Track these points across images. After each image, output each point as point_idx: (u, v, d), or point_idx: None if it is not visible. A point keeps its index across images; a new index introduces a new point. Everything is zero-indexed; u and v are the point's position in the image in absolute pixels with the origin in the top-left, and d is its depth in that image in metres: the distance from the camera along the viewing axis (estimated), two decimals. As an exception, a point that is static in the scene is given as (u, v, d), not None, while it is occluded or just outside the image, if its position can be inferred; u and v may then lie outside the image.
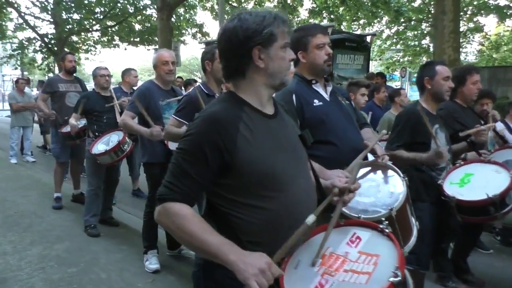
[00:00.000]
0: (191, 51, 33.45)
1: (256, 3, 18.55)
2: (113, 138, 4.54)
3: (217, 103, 1.48)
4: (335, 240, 1.45)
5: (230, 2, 18.24)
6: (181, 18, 19.49)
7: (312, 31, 2.41)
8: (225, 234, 1.34)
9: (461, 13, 21.71)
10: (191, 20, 19.95)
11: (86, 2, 18.23)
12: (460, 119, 3.35)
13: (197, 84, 3.24)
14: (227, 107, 1.43)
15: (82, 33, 20.69)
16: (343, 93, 2.66)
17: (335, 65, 9.26)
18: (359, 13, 16.62)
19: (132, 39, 21.14)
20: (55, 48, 18.82)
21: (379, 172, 2.31)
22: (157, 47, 17.71)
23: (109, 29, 20.41)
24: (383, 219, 1.85)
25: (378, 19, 18.82)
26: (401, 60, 24.93)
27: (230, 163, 1.37)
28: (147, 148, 3.72)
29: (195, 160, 1.36)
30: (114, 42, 21.80)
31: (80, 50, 20.87)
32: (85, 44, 21.48)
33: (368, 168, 2.32)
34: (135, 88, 6.26)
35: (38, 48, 19.40)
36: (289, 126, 1.60)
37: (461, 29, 22.90)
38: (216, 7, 19.65)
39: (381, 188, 2.13)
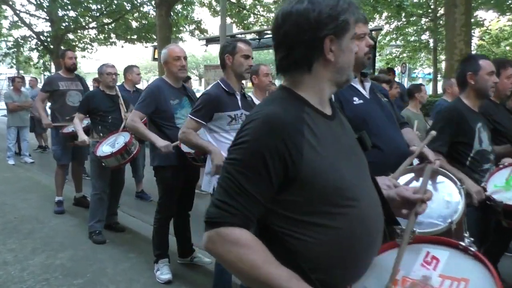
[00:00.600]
0: (187, 48, 33.08)
1: (256, -1, 18.35)
2: (119, 140, 4.29)
3: (273, 102, 1.21)
4: (405, 261, 1.22)
5: (230, -2, 17.97)
6: (179, 15, 19.18)
7: None
8: (282, 260, 1.11)
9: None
10: (189, 17, 19.65)
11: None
12: (495, 117, 3.12)
13: (216, 81, 2.97)
14: (287, 107, 1.17)
15: (78, 31, 20.38)
16: (381, 89, 2.42)
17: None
18: (361, 8, 16.35)
19: (129, 37, 20.86)
20: (51, 46, 18.51)
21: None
22: (155, 44, 17.44)
23: (106, 26, 20.10)
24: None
25: (378, 14, 18.57)
26: (401, 55, 24.76)
27: (294, 176, 1.12)
28: (157, 151, 3.46)
29: (254, 174, 1.10)
30: (110, 40, 21.52)
31: (76, 48, 20.56)
32: (81, 42, 21.19)
33: (412, 175, 2.09)
34: (137, 86, 6.05)
35: (33, 46, 19.07)
36: (347, 128, 1.36)
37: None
38: (214, 3, 19.44)
39: (434, 197, 1.90)
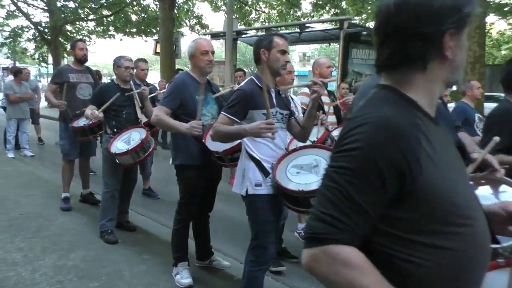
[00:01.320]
0: (185, 43, 32.85)
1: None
2: (134, 136, 4.12)
3: (383, 104, 1.05)
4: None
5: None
6: (180, 9, 18.93)
7: None
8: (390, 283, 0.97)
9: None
10: (190, 11, 19.42)
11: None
12: None
13: (250, 77, 2.81)
14: (401, 111, 1.02)
15: (77, 23, 20.06)
16: None
17: (350, 60, 8.93)
18: (364, 7, 16.25)
19: (128, 30, 20.58)
20: (49, 37, 18.19)
21: (487, 187, 1.95)
22: (156, 38, 17.20)
23: (105, 18, 19.80)
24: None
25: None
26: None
27: (410, 190, 0.97)
28: (181, 149, 3.31)
29: (368, 185, 0.95)
30: (109, 33, 21.22)
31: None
32: (79, 33, 20.86)
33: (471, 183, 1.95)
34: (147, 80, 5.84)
35: (31, 37, 18.73)
36: (449, 135, 1.21)
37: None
38: (215, -1, 19.23)
39: None
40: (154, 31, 19.82)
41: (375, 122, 0.99)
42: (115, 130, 4.24)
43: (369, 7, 16.49)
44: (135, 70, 4.94)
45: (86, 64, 5.33)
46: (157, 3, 18.99)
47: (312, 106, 2.71)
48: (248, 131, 2.48)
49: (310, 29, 10.01)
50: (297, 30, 10.20)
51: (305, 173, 2.58)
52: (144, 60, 5.88)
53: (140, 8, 19.68)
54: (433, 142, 1.02)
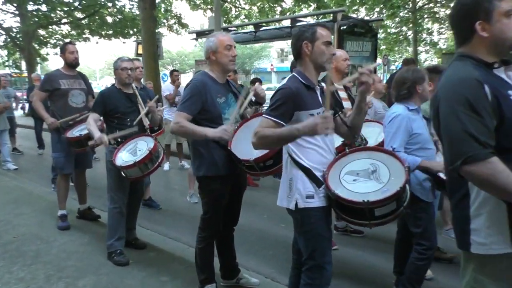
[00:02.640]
0: (165, 44, 32.18)
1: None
2: (140, 146, 3.72)
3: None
4: None
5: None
6: (158, 9, 18.34)
7: None
8: None
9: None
10: (168, 11, 18.85)
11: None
12: None
13: (291, 74, 2.45)
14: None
15: (50, 27, 19.25)
16: None
17: (345, 53, 8.66)
18: (346, 0, 16.11)
19: (104, 32, 19.88)
20: (22, 43, 17.36)
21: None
22: (136, 39, 16.62)
23: (79, 21, 19.04)
24: None
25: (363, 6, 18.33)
26: (381, 48, 24.71)
27: None
28: (204, 158, 2.94)
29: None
30: (84, 36, 20.46)
31: (48, 45, 19.46)
32: (53, 38, 20.04)
33: None
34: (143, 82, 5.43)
35: (2, 43, 17.85)
36: None
37: (439, 15, 23.14)
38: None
39: None
40: (132, 32, 19.21)
41: None
42: (119, 140, 3.82)
43: (349, 0, 16.42)
44: (135, 71, 4.48)
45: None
46: (133, 3, 18.43)
47: (361, 99, 2.38)
48: (302, 129, 2.10)
49: (301, 23, 9.69)
50: (288, 24, 9.86)
51: (364, 180, 2.26)
52: (137, 59, 5.47)
53: (115, 10, 19.00)
54: None
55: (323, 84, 2.48)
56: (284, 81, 2.39)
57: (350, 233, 4.70)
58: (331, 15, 8.79)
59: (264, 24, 10.41)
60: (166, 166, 8.18)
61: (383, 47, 24.47)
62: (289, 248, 4.29)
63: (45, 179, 7.05)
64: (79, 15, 18.83)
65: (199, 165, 2.97)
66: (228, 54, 2.91)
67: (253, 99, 3.15)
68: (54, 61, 24.71)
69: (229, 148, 2.85)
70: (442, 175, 2.77)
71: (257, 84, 3.36)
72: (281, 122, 2.24)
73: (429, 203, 2.97)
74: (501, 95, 1.61)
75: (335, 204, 2.27)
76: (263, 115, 2.31)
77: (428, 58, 30.87)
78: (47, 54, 21.29)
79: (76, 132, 4.45)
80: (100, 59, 44.08)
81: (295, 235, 2.65)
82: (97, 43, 20.71)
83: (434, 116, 1.77)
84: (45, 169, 7.73)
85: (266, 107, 2.46)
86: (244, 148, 2.81)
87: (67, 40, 20.29)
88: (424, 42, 24.89)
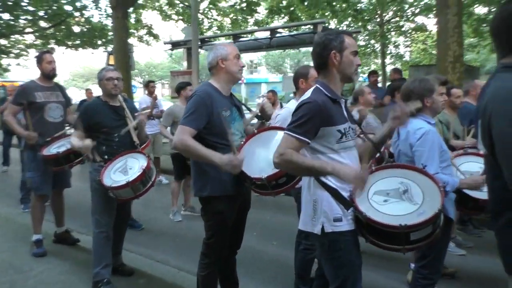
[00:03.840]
0: (138, 56, 31.66)
1: (210, 2, 17.59)
2: (131, 164, 3.42)
3: None
4: None
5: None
6: (128, 19, 17.87)
7: None
8: None
9: (403, 13, 22.47)
10: (138, 21, 18.42)
11: (18, 0, 16.04)
12: None
13: (315, 85, 2.24)
14: None
15: (13, 36, 18.38)
16: None
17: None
18: (318, 12, 16.20)
19: (71, 43, 19.17)
20: (-19, 53, 16.48)
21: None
22: (106, 49, 16.10)
23: (45, 31, 18.27)
24: None
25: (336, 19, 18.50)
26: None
27: None
28: (209, 177, 2.68)
29: None
30: (49, 46, 19.64)
31: (10, 55, 18.58)
32: (16, 48, 19.14)
33: None
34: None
35: (-40, 54, 16.88)
36: None
37: (404, 29, 23.82)
38: (165, 7, 18.42)
39: None
40: (100, 42, 18.62)
41: None
42: (106, 157, 3.50)
43: (321, 12, 16.52)
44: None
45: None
46: (102, 13, 17.89)
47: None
48: (336, 172, 2.00)
49: (280, 34, 9.60)
50: (267, 35, 9.73)
51: (396, 201, 2.07)
52: (115, 68, 5.13)
53: (83, 19, 18.36)
54: None
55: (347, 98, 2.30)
56: (308, 94, 2.17)
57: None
58: (310, 26, 8.73)
59: (241, 35, 10.26)
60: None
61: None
62: (284, 268, 4.10)
63: (14, 200, 6.51)
64: (44, 24, 18.06)
65: (203, 184, 2.71)
66: (238, 63, 2.74)
67: (258, 113, 2.95)
68: (16, 72, 23.69)
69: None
70: (469, 192, 2.65)
71: (265, 99, 3.15)
72: (306, 140, 2.03)
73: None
74: None
75: (366, 228, 2.07)
76: (286, 132, 2.08)
77: (395, 70, 31.63)
78: (9, 64, 20.34)
79: (53, 149, 4.07)
80: (65, 70, 42.70)
81: (319, 260, 2.43)
82: (63, 53, 19.98)
83: (484, 130, 1.62)
84: (11, 188, 7.20)
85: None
86: (254, 165, 2.59)
87: (31, 50, 19.53)
88: (390, 54, 25.47)
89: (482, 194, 2.66)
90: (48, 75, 4.27)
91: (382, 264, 4.12)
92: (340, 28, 18.92)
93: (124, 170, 3.37)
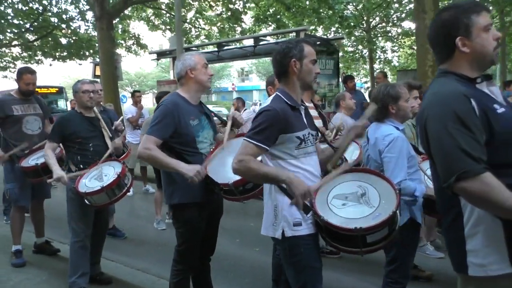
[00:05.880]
0: (127, 66, 31.65)
1: (197, 11, 17.72)
2: (107, 171, 3.47)
3: None
4: None
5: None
6: (115, 29, 17.94)
7: (475, 8, 1.67)
8: None
9: (389, 19, 22.80)
10: (126, 31, 18.49)
11: (3, 14, 16.03)
12: None
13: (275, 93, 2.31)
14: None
15: (-1, 49, 18.36)
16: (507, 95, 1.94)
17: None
18: (304, 19, 16.38)
19: (58, 54, 19.16)
20: (-33, 66, 16.43)
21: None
22: (93, 60, 16.11)
23: (31, 43, 18.25)
24: None
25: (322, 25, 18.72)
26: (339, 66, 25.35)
27: None
28: (178, 184, 2.73)
29: None
30: (36, 58, 19.61)
31: (-4, 67, 18.57)
32: (2, 60, 19.08)
33: None
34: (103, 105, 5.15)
35: None
36: None
37: (391, 34, 24.12)
38: (152, 17, 18.51)
39: None
40: (88, 53, 18.64)
41: None
42: (81, 166, 3.54)
43: (307, 20, 16.72)
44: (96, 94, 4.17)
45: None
46: (89, 24, 17.93)
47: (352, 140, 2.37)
48: (290, 182, 2.05)
49: (264, 42, 9.71)
50: (251, 43, 9.84)
51: (353, 205, 2.13)
52: (95, 81, 5.19)
53: (70, 31, 18.38)
54: None
55: (306, 104, 2.37)
56: (268, 101, 2.25)
57: (326, 254, 4.58)
58: (294, 34, 8.85)
59: (226, 44, 10.36)
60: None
61: (341, 65, 25.11)
62: (266, 274, 4.13)
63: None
64: (30, 37, 18.05)
65: (172, 192, 2.77)
66: (206, 72, 2.80)
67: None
68: (2, 84, 23.56)
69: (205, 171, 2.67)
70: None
71: (235, 111, 3.21)
72: (265, 147, 2.10)
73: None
74: (488, 109, 1.59)
75: (325, 231, 2.13)
76: (245, 138, 2.15)
77: (383, 75, 31.97)
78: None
79: (32, 161, 4.10)
80: (54, 81, 42.53)
81: (273, 263, 2.49)
82: (50, 65, 19.90)
83: (421, 135, 1.70)
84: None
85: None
86: (222, 171, 2.64)
87: (18, 62, 19.46)
88: (379, 59, 25.74)
89: None
90: (24, 93, 4.30)
91: (357, 267, 4.18)
92: (328, 36, 19.17)
93: (99, 177, 3.41)
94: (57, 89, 20.96)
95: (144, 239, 5.47)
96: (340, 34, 18.49)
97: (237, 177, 2.49)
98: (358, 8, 21.20)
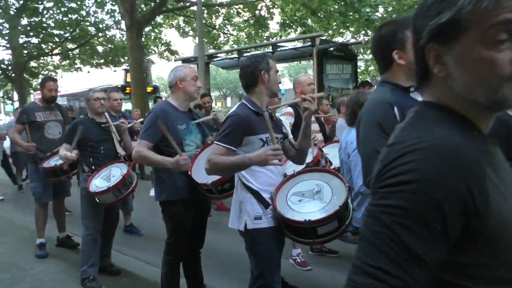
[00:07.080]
0: (156, 71, 32.62)
1: (225, 18, 18.19)
2: (114, 172, 3.84)
3: (433, 125, 0.86)
4: None
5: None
6: (148, 36, 18.74)
7: (409, 24, 1.86)
8: None
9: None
10: (158, 38, 19.25)
11: (45, 25, 17.14)
12: None
13: (241, 100, 2.62)
14: (459, 134, 0.83)
15: (42, 58, 19.55)
16: None
17: (324, 75, 8.91)
18: (330, 23, 16.48)
19: (95, 62, 20.20)
20: (13, 75, 17.61)
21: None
22: (126, 67, 16.89)
23: (70, 52, 19.36)
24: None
25: (346, 29, 18.72)
26: (369, 68, 25.15)
27: (477, 230, 0.78)
28: (165, 184, 3.06)
29: (427, 230, 0.75)
30: (75, 66, 20.76)
31: (40, 76, 19.73)
32: (45, 69, 20.33)
33: None
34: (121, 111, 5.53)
35: (-6, 76, 18.09)
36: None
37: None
38: (182, 24, 19.18)
39: None
40: (123, 60, 19.54)
41: (431, 148, 0.79)
42: (92, 167, 3.95)
43: (334, 23, 16.81)
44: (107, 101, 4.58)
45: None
46: (123, 33, 18.80)
47: (306, 125, 2.54)
48: (253, 159, 2.26)
49: (282, 48, 9.98)
50: (269, 49, 10.14)
51: (308, 200, 2.38)
52: (116, 90, 5.60)
53: (106, 39, 19.36)
54: (496, 168, 0.83)
55: (269, 110, 2.63)
56: (234, 108, 2.54)
57: (325, 253, 4.77)
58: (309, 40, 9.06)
59: (246, 51, 10.70)
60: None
61: (371, 68, 24.92)
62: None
63: (30, 209, 7.06)
64: (70, 45, 19.15)
65: (161, 190, 3.09)
66: (194, 84, 3.11)
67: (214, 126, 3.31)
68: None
69: (189, 173, 2.97)
70: None
71: (218, 113, 3.49)
72: (232, 148, 2.38)
73: None
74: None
75: (283, 224, 2.38)
76: (215, 142, 2.45)
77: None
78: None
79: (52, 162, 4.56)
80: (93, 86, 44.55)
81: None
82: (88, 72, 21.02)
83: (357, 139, 1.91)
84: (31, 199, 7.77)
85: None
86: (204, 172, 2.94)
87: (59, 70, 20.64)
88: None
89: None
90: (47, 100, 4.79)
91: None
92: (357, 38, 19.13)
93: (107, 178, 3.80)
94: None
95: (158, 236, 5.81)
96: (366, 38, 18.41)
97: (215, 178, 2.78)
98: (388, 10, 21.01)
